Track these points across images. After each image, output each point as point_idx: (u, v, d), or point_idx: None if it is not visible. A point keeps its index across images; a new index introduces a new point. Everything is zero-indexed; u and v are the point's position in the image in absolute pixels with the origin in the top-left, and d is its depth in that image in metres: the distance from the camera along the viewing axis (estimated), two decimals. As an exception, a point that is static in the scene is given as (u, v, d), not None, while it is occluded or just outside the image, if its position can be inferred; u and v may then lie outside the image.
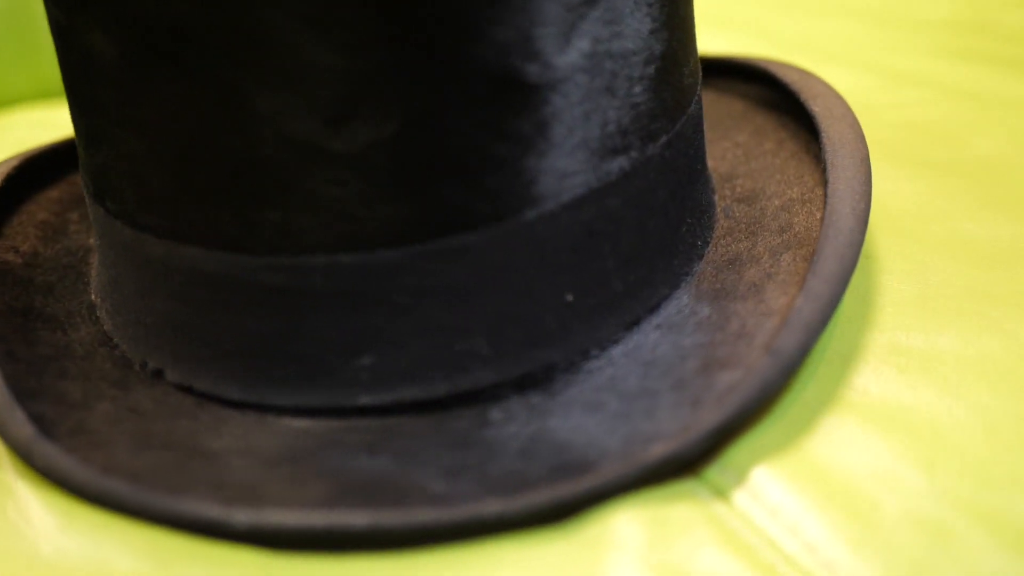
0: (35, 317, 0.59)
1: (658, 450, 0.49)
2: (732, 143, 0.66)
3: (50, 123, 0.83)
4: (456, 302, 0.52)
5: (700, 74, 0.60)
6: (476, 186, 0.51)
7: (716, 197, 0.62)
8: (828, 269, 0.53)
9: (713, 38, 0.80)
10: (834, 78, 0.74)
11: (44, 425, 0.52)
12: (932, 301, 0.57)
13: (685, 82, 0.57)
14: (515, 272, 0.52)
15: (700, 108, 0.59)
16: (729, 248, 0.59)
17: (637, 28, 0.53)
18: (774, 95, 0.68)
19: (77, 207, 0.67)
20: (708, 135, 0.66)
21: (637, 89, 0.53)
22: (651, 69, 0.54)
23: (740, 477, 0.50)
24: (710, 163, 0.64)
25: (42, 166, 0.68)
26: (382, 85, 0.49)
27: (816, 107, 0.62)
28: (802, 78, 0.66)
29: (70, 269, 0.62)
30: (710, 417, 0.49)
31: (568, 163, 0.52)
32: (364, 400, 0.53)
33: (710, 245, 0.59)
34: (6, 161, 0.66)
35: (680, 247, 0.57)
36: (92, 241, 0.64)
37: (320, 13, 0.48)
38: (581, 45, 0.51)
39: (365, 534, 0.48)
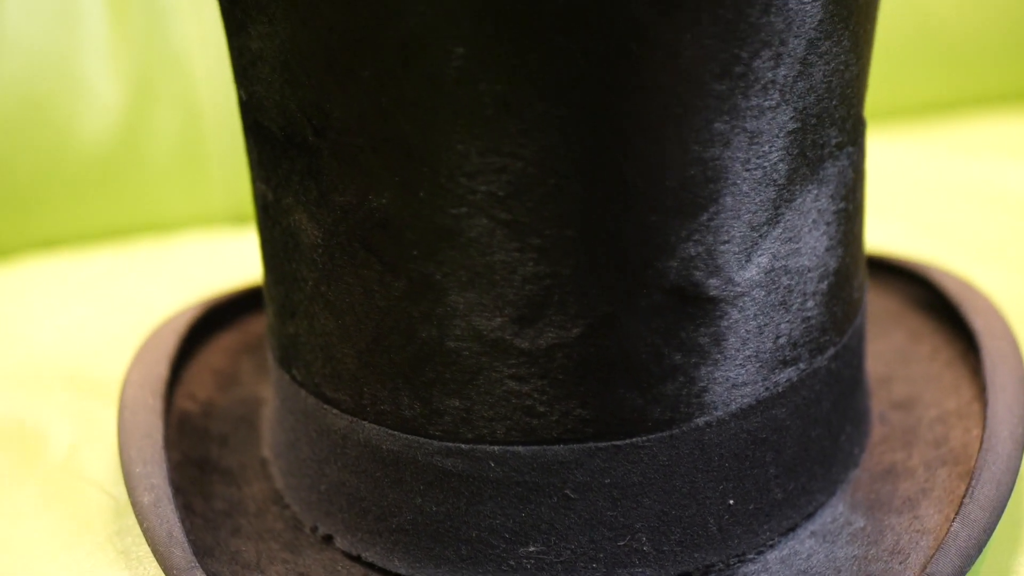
0: (211, 469, 0.62)
1: (811, 665, 0.50)
2: (888, 344, 0.68)
3: (213, 252, 0.87)
4: (623, 500, 0.54)
5: (867, 286, 0.62)
6: (652, 391, 0.53)
7: (872, 400, 0.64)
8: (985, 495, 0.54)
9: (873, 228, 0.81)
10: (992, 278, 0.74)
11: None
12: (1085, 529, 0.58)
13: (855, 296, 0.58)
14: (681, 475, 0.54)
15: (865, 319, 0.61)
16: (884, 457, 0.60)
17: (814, 246, 0.55)
18: (931, 298, 0.69)
19: (249, 355, 0.69)
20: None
21: (810, 304, 0.55)
22: (824, 285, 0.56)
23: None
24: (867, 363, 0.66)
25: (218, 312, 0.71)
26: (571, 291, 0.51)
27: (977, 323, 0.63)
28: (962, 289, 0.67)
29: (243, 421, 0.65)
30: (865, 637, 0.51)
31: (739, 373, 0.54)
32: None
33: (866, 451, 0.61)
34: (189, 309, 0.69)
35: (839, 455, 0.59)
36: (264, 394, 0.66)
37: (519, 219, 0.50)
38: (761, 261, 0.53)
39: None
